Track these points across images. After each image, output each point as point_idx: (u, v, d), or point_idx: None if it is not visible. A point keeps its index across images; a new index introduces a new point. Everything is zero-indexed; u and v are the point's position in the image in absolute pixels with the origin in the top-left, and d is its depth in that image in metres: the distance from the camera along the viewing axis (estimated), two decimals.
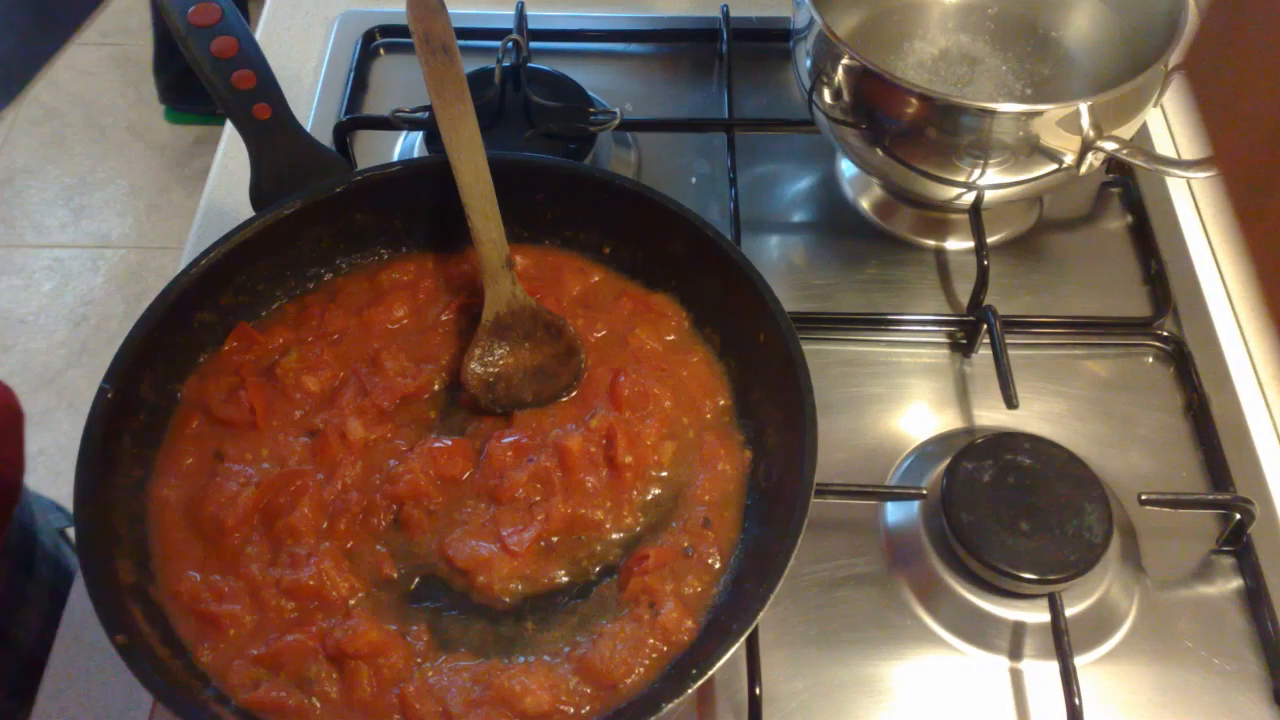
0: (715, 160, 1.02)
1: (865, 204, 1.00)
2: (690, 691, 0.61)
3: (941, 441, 0.84)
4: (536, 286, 0.83)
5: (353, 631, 0.66)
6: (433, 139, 1.00)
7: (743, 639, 0.62)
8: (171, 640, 0.67)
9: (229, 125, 1.06)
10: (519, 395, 0.79)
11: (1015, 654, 0.75)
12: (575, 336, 0.80)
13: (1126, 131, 0.84)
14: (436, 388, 0.79)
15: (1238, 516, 0.78)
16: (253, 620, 0.68)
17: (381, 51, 1.12)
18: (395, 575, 0.71)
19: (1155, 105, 0.85)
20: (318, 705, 0.65)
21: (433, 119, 0.98)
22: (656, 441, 0.76)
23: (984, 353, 0.88)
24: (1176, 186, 1.01)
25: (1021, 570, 0.73)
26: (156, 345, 0.74)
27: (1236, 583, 0.78)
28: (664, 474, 0.76)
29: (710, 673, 0.61)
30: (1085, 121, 0.81)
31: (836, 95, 0.87)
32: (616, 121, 0.97)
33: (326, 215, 0.82)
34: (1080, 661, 0.72)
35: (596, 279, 0.85)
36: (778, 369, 0.73)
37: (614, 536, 0.73)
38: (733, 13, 1.10)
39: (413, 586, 0.71)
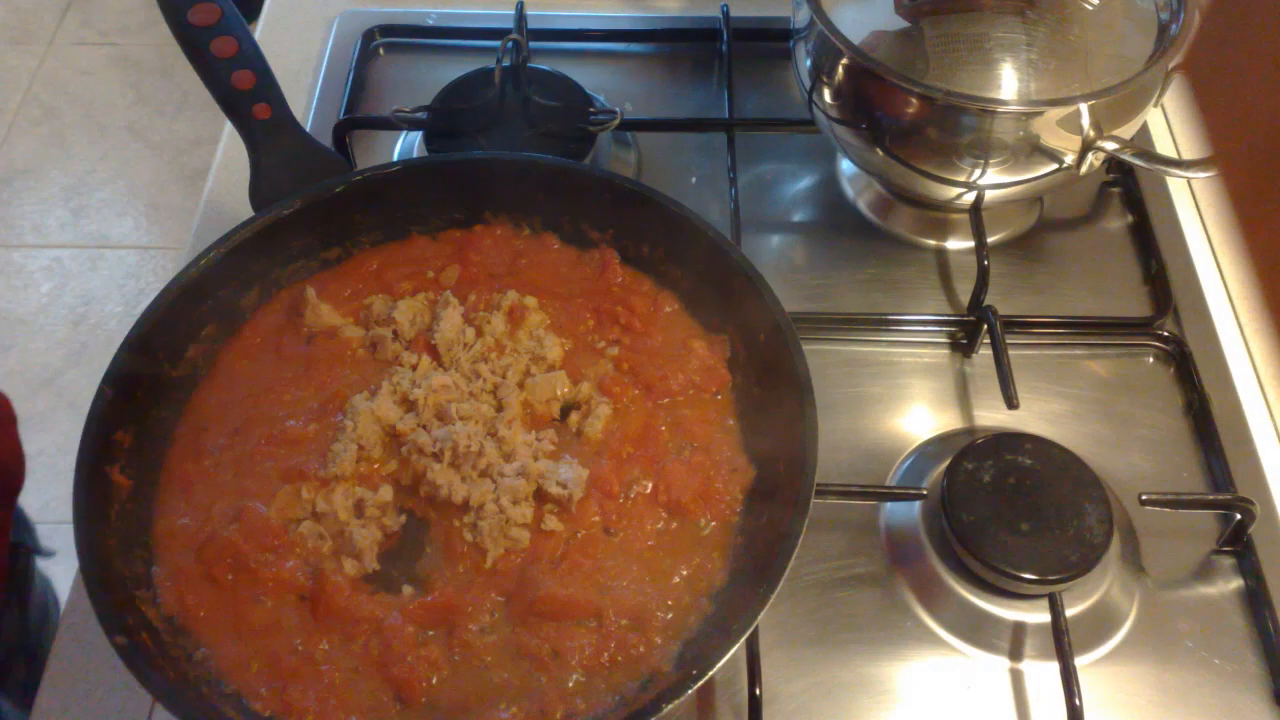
0: (715, 160, 1.02)
1: (865, 204, 1.00)
2: (690, 692, 0.61)
3: (942, 441, 0.84)
4: (535, 277, 0.84)
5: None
6: (433, 139, 1.00)
7: (743, 639, 0.62)
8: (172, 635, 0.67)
9: (226, 128, 1.06)
10: None
11: (1015, 654, 0.75)
12: None
13: (1127, 131, 0.84)
14: None
15: (1238, 516, 0.78)
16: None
17: (381, 51, 1.12)
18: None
19: (1155, 105, 0.85)
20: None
21: (434, 119, 0.98)
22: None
23: (984, 353, 0.88)
24: (1177, 186, 1.01)
25: (1022, 570, 0.73)
26: (156, 344, 0.74)
27: (1237, 583, 0.78)
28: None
29: (710, 673, 0.61)
30: (1085, 121, 0.81)
31: (836, 95, 0.87)
32: (616, 121, 0.97)
33: (326, 215, 0.82)
34: (1080, 662, 0.72)
35: (589, 278, 0.85)
36: (778, 369, 0.73)
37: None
38: (733, 12, 1.10)
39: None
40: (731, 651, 0.61)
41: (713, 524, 0.73)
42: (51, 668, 0.76)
